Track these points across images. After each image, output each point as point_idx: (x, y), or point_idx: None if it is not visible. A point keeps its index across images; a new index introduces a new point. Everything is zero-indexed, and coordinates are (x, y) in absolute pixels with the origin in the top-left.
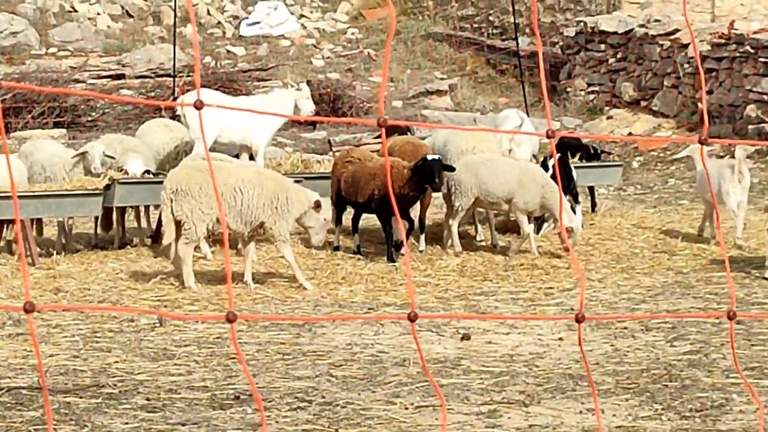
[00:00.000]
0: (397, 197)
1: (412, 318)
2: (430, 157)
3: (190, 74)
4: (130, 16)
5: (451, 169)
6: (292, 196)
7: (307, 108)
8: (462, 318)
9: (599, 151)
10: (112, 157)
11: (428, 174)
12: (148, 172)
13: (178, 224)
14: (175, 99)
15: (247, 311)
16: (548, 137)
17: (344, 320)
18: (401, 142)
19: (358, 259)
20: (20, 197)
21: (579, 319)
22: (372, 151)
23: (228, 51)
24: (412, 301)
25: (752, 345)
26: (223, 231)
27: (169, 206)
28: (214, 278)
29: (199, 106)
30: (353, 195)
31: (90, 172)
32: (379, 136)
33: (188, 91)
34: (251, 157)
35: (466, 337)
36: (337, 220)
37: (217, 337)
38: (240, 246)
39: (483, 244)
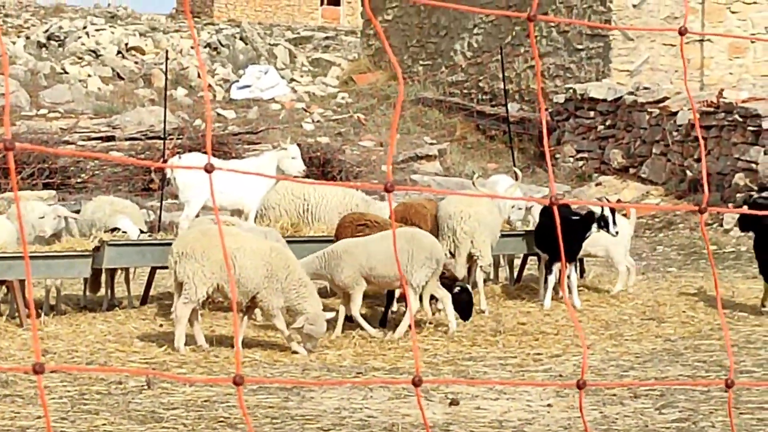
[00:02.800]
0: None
1: (416, 383)
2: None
3: (180, 137)
4: (121, 78)
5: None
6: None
7: (294, 168)
8: (466, 384)
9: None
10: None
11: (463, 310)
12: (142, 231)
13: (181, 286)
14: (165, 161)
15: (248, 377)
16: (551, 204)
17: (355, 384)
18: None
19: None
20: (9, 258)
21: (580, 386)
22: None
23: (218, 114)
24: (416, 365)
25: (741, 413)
26: (232, 291)
27: (173, 269)
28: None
29: (209, 169)
30: None
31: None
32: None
33: (178, 153)
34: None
35: (454, 403)
36: None
37: (206, 401)
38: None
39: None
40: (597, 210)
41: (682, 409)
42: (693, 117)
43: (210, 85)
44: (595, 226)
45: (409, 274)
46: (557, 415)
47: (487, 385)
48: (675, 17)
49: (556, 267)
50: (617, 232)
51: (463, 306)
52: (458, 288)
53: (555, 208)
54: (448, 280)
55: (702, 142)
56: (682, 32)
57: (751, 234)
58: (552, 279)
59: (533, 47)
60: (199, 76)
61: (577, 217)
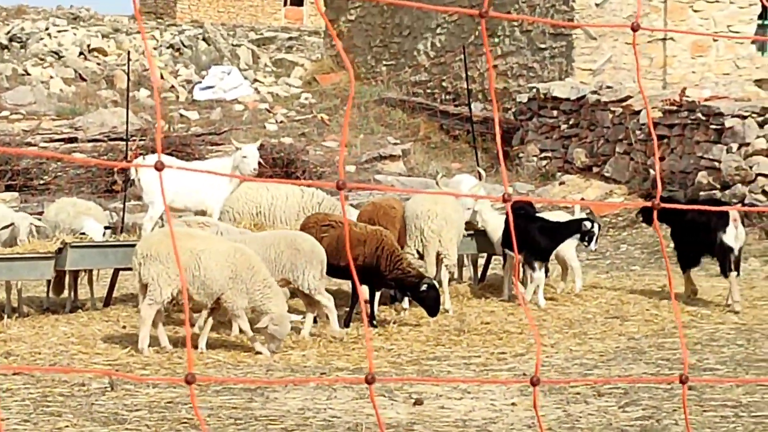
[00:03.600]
0: (377, 269)
1: (369, 381)
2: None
3: (143, 138)
4: (83, 79)
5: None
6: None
7: (246, 168)
8: (417, 381)
9: None
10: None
11: (430, 306)
12: (107, 227)
13: (146, 288)
14: (128, 162)
15: (199, 376)
16: (504, 201)
17: (299, 383)
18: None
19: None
20: None
21: (534, 383)
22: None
23: (181, 115)
24: (370, 363)
25: (704, 411)
26: (183, 293)
27: (138, 270)
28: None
29: (159, 167)
30: (335, 259)
31: (15, 243)
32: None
33: (141, 154)
34: None
35: (418, 402)
36: None
37: (169, 402)
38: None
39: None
40: (588, 224)
41: (645, 407)
42: (647, 114)
43: (173, 86)
44: (577, 236)
45: (296, 279)
46: (521, 413)
47: (450, 385)
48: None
49: (537, 264)
50: (595, 249)
51: (430, 303)
52: (425, 285)
53: (509, 206)
54: (414, 278)
55: (655, 138)
56: (634, 28)
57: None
58: (538, 276)
59: (485, 44)
60: (162, 76)
61: (562, 221)
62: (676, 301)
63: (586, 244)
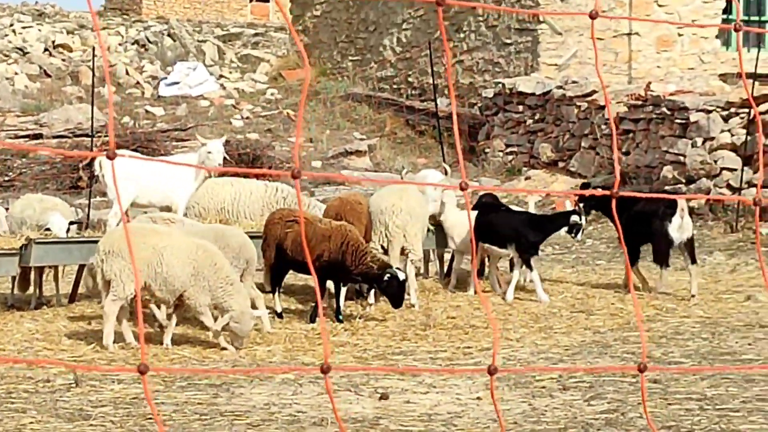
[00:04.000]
0: (342, 264)
1: (324, 370)
2: (401, 277)
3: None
4: (48, 75)
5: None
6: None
7: (210, 163)
8: (372, 370)
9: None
10: None
11: (394, 296)
12: (72, 223)
13: (109, 284)
14: (92, 159)
15: (154, 366)
16: (462, 189)
17: (258, 376)
18: (339, 203)
19: (276, 318)
20: None
21: (491, 371)
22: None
23: (147, 111)
24: (325, 353)
25: (669, 404)
26: (136, 286)
27: (100, 267)
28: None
29: (111, 156)
30: (300, 255)
31: None
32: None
33: (106, 150)
34: None
35: (384, 397)
36: (278, 283)
37: (134, 398)
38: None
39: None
40: (576, 218)
41: (610, 400)
42: (605, 102)
43: (138, 82)
44: (565, 228)
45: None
46: (486, 407)
47: (416, 379)
48: (603, 10)
49: (533, 261)
50: (580, 240)
51: (393, 293)
52: (387, 275)
53: (466, 194)
54: (378, 270)
55: (614, 129)
56: (592, 16)
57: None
58: (516, 274)
59: (442, 32)
60: (127, 72)
61: (550, 215)
62: (638, 295)
63: (573, 235)
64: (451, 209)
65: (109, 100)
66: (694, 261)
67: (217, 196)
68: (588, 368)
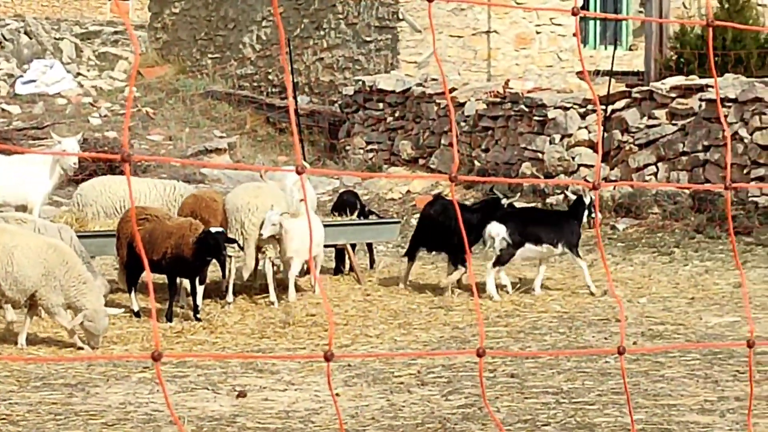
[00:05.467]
0: (185, 260)
1: (156, 357)
2: (213, 230)
3: None
4: None
5: (233, 241)
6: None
7: (67, 162)
8: (205, 357)
9: (369, 210)
10: None
11: (212, 248)
12: None
13: None
14: None
15: (19, 371)
16: (298, 173)
17: (114, 375)
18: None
19: (133, 317)
20: None
21: (327, 357)
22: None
23: (2, 110)
24: (156, 340)
25: (526, 398)
26: None
27: None
28: None
29: None
30: (149, 253)
31: None
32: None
33: None
34: None
35: (242, 395)
36: (133, 282)
37: None
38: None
39: (262, 301)
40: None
41: (468, 395)
42: (447, 103)
43: None
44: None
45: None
46: (345, 404)
47: (274, 377)
48: (461, 8)
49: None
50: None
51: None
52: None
53: (303, 178)
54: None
55: (453, 119)
56: None
57: None
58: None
59: (277, 18)
60: None
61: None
62: (500, 292)
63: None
64: (289, 221)
65: None
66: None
67: (115, 195)
68: (422, 352)
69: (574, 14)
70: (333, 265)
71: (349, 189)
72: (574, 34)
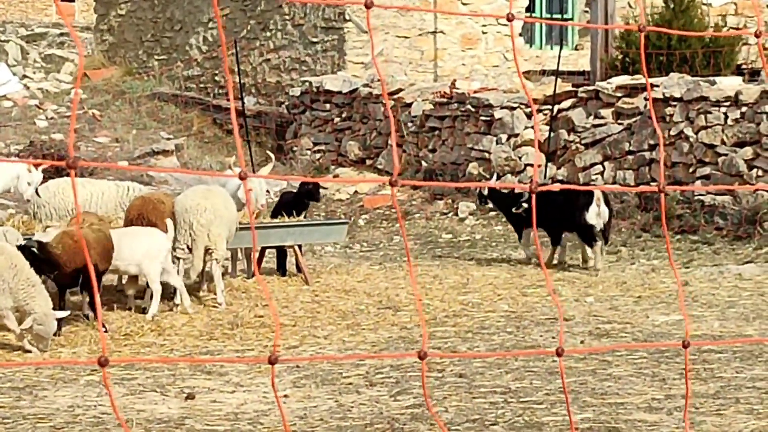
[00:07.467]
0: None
1: (102, 363)
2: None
3: None
4: None
5: None
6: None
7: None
8: (152, 361)
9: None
10: None
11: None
12: None
13: None
14: None
15: None
16: (241, 179)
17: (62, 378)
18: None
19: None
20: None
21: (272, 361)
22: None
23: None
24: (103, 344)
25: (474, 398)
26: None
27: None
28: None
29: None
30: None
31: None
32: None
33: None
34: None
35: (190, 397)
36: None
37: None
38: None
39: (210, 302)
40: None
41: (416, 395)
42: (386, 108)
43: None
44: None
45: None
46: (293, 405)
47: (222, 379)
48: (408, 9)
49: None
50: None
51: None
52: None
53: (246, 182)
54: None
55: (393, 123)
56: (368, 5)
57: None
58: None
59: (217, 15)
60: None
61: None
62: (449, 292)
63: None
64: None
65: None
66: (607, 241)
67: (68, 197)
68: (363, 355)
69: (509, 20)
70: (275, 266)
71: (290, 191)
72: (512, 38)
